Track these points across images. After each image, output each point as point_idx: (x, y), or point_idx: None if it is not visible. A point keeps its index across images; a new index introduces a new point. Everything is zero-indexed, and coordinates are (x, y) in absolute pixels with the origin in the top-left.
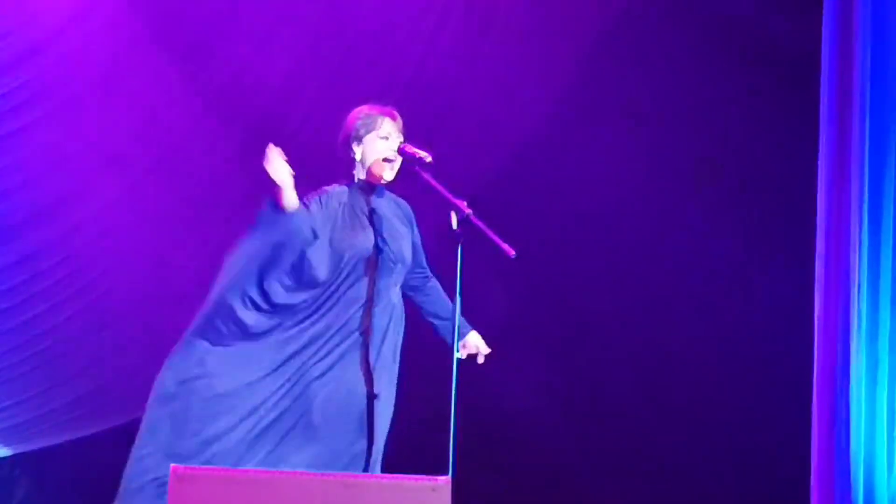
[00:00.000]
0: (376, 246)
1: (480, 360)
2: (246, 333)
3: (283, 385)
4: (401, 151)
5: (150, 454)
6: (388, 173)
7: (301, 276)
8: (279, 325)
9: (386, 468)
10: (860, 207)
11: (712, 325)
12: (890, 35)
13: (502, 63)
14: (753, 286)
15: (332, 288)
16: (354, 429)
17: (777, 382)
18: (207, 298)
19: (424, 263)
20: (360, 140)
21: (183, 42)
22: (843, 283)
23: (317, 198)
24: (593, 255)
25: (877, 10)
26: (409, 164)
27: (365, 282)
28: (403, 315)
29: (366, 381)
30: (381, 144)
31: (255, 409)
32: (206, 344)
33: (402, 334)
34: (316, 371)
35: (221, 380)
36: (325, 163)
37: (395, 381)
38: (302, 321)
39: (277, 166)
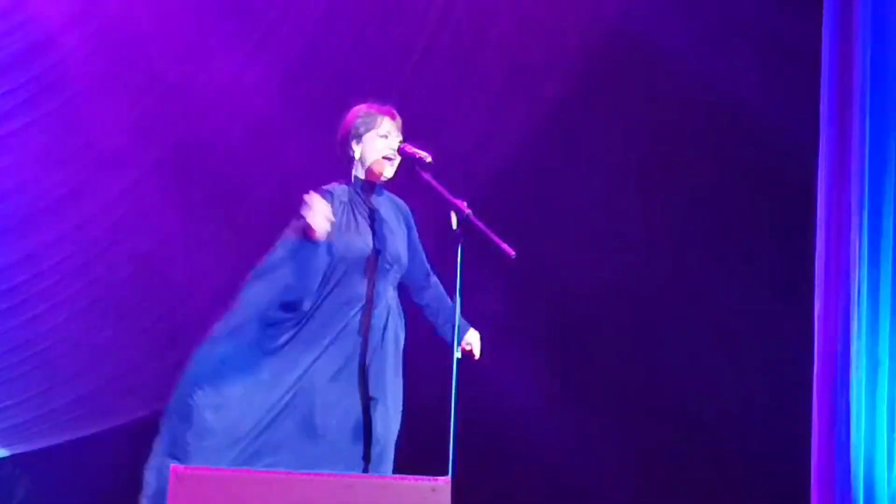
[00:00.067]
0: (374, 247)
1: (476, 354)
2: (266, 345)
3: (286, 392)
4: (401, 151)
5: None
6: (389, 170)
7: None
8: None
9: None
10: (860, 207)
11: (712, 324)
12: (890, 35)
13: (502, 63)
14: (753, 286)
15: (329, 289)
16: (352, 432)
17: (777, 382)
18: (238, 306)
19: (425, 261)
20: (359, 138)
21: (182, 42)
22: (843, 283)
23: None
24: (593, 255)
25: (877, 10)
26: (409, 164)
27: (363, 283)
28: (402, 315)
29: (360, 383)
30: (380, 143)
31: (258, 421)
32: (228, 349)
33: (402, 335)
34: (315, 375)
35: (233, 389)
36: (325, 162)
37: (401, 383)
38: (300, 324)
39: (318, 215)
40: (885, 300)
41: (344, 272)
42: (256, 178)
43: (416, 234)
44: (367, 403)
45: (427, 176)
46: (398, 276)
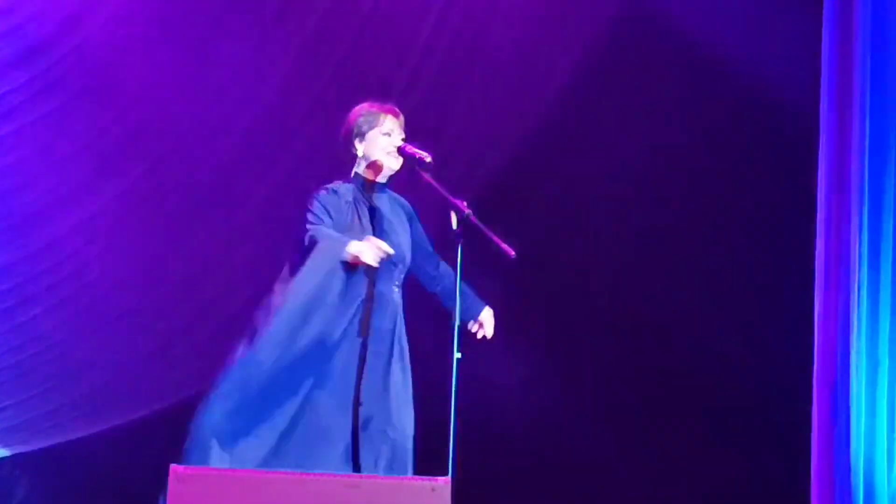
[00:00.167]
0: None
1: (485, 334)
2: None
3: (293, 393)
4: (401, 151)
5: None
6: (396, 164)
7: None
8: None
9: None
10: (860, 207)
11: (712, 324)
12: (890, 35)
13: (502, 64)
14: (753, 286)
15: (336, 293)
16: (345, 433)
17: (777, 382)
18: (274, 314)
19: (433, 252)
20: (362, 136)
21: (182, 42)
22: (843, 283)
23: (327, 207)
24: (593, 256)
25: (877, 11)
26: (409, 164)
27: (365, 282)
28: (402, 314)
29: (356, 386)
30: (383, 141)
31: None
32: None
33: (404, 333)
34: (319, 375)
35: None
36: (324, 162)
37: (410, 380)
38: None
39: (375, 251)
40: (885, 300)
41: (347, 272)
42: (256, 178)
43: (419, 226)
44: (354, 408)
45: (427, 176)
46: (402, 274)
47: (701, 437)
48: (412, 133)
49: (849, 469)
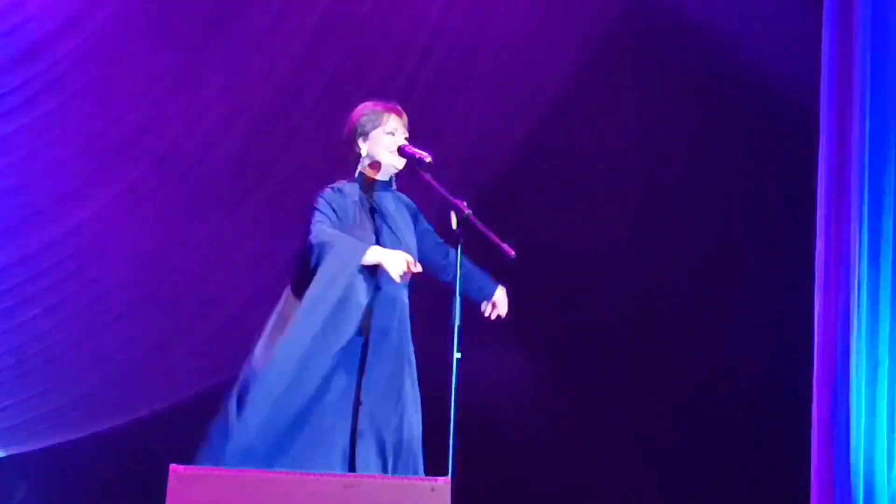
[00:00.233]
0: (385, 246)
1: (497, 313)
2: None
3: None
4: (401, 151)
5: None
6: (399, 162)
7: None
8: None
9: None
10: (860, 207)
11: (712, 324)
12: (890, 35)
13: (502, 63)
14: (753, 286)
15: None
16: (344, 435)
17: (777, 382)
18: (298, 321)
19: (440, 242)
20: (365, 136)
21: (182, 42)
22: (843, 283)
23: (333, 206)
24: (593, 256)
25: (877, 11)
26: (409, 164)
27: (372, 282)
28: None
29: (357, 384)
30: (387, 140)
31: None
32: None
33: (409, 331)
34: (330, 378)
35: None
36: (324, 162)
37: (416, 378)
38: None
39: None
40: (885, 300)
41: (362, 274)
42: (256, 178)
43: (423, 219)
44: (355, 407)
45: (427, 176)
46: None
47: (701, 436)
48: (412, 133)
49: (849, 469)
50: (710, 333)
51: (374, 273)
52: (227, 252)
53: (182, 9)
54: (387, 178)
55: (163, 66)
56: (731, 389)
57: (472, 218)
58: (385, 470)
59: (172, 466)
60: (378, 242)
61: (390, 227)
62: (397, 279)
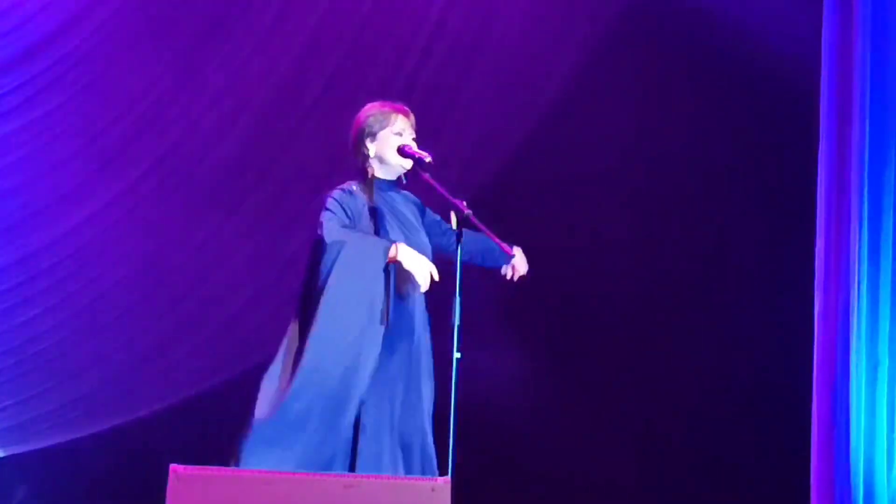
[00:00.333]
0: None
1: (519, 274)
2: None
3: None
4: (401, 151)
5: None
6: (407, 162)
7: None
8: None
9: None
10: (860, 207)
11: (712, 324)
12: (890, 35)
13: (502, 63)
14: (753, 286)
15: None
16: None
17: (777, 382)
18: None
19: (446, 226)
20: (373, 136)
21: (181, 42)
22: (843, 283)
23: (344, 207)
24: (593, 255)
25: (877, 11)
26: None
27: (390, 278)
28: (424, 310)
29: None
30: (395, 140)
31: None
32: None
33: (428, 329)
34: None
35: None
36: (325, 161)
37: (432, 377)
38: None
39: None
40: (885, 300)
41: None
42: (256, 178)
43: (429, 212)
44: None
45: (427, 176)
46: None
47: (701, 436)
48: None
49: (849, 469)
50: (710, 333)
51: (393, 270)
52: (227, 252)
53: (182, 9)
54: (394, 178)
55: (163, 66)
56: (730, 389)
57: (472, 218)
58: (399, 470)
59: (172, 466)
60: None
61: (403, 227)
62: (424, 287)
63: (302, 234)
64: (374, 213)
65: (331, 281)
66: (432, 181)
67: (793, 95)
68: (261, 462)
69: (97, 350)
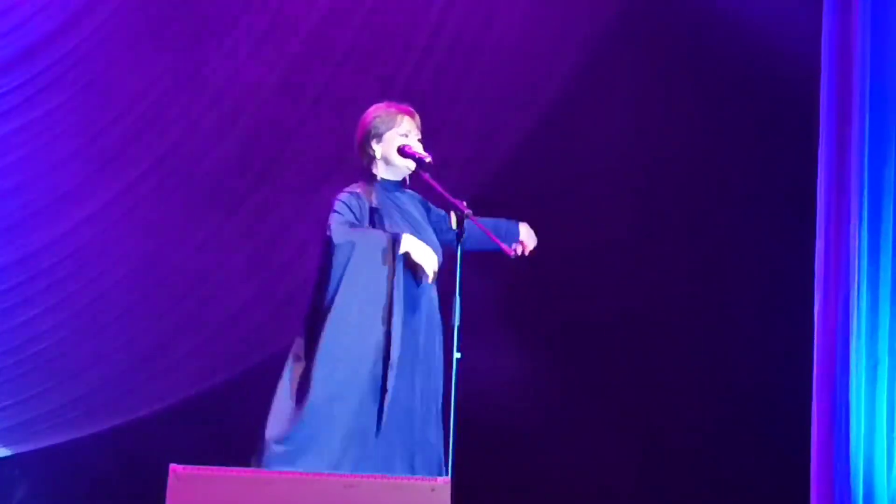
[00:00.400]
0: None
1: (528, 249)
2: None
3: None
4: (401, 151)
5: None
6: (413, 163)
7: None
8: None
9: None
10: (860, 207)
11: (712, 324)
12: (890, 35)
13: (502, 62)
14: (753, 285)
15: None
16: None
17: (777, 382)
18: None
19: (448, 220)
20: (379, 137)
21: (181, 42)
22: (843, 283)
23: (352, 209)
24: (593, 255)
25: (877, 11)
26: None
27: (395, 280)
28: (437, 309)
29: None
30: (401, 141)
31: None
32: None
33: (440, 327)
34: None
35: None
36: (324, 161)
37: (441, 375)
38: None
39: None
40: (884, 299)
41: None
42: (256, 177)
43: (433, 207)
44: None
45: (427, 176)
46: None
47: (700, 435)
48: None
49: (848, 469)
50: (710, 332)
51: (404, 265)
52: (227, 252)
53: (182, 9)
54: (399, 179)
55: (163, 66)
56: (730, 388)
57: (472, 218)
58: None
59: (172, 466)
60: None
61: (411, 226)
62: (431, 277)
63: (302, 234)
64: (382, 214)
65: (345, 282)
66: (432, 181)
67: (793, 95)
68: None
69: (97, 350)
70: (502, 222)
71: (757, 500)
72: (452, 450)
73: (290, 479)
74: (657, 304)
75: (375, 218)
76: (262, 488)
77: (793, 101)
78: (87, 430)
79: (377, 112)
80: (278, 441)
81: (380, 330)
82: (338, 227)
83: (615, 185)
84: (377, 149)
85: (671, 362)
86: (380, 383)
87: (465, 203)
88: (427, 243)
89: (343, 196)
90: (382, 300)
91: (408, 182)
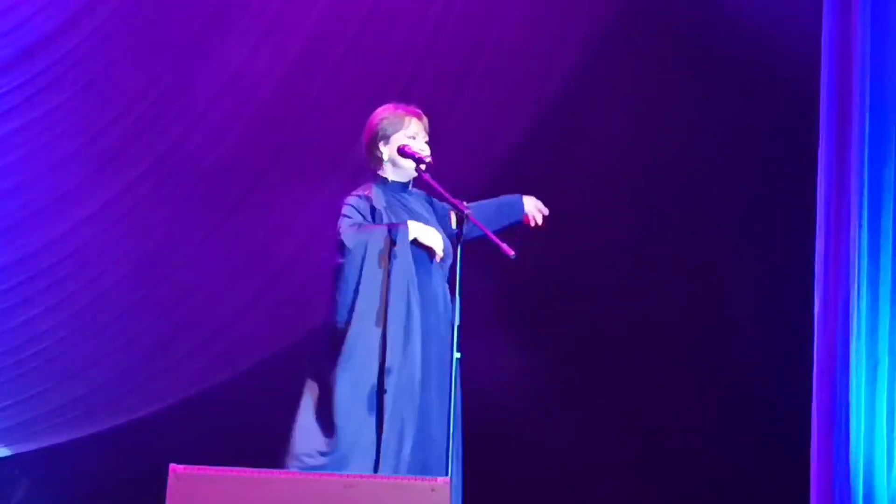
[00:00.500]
0: (425, 246)
1: (538, 221)
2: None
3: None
4: (401, 151)
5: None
6: (421, 165)
7: None
8: None
9: None
10: (860, 207)
11: (712, 324)
12: (890, 35)
13: (502, 62)
14: (753, 285)
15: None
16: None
17: (777, 382)
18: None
19: (454, 212)
20: (386, 140)
21: (181, 42)
22: (843, 283)
23: (361, 212)
24: (592, 255)
25: (877, 11)
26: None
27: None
28: (449, 304)
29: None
30: (412, 146)
31: None
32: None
33: (453, 324)
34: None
35: None
36: (324, 161)
37: (449, 375)
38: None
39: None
40: (884, 299)
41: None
42: (255, 178)
43: (437, 202)
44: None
45: (427, 176)
46: (447, 265)
47: (700, 435)
48: None
49: (848, 469)
50: (710, 333)
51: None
52: (226, 252)
53: (182, 8)
54: (407, 181)
55: (163, 66)
56: (730, 389)
57: (472, 218)
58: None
59: (172, 466)
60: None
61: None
62: (440, 254)
63: (301, 234)
64: (390, 216)
65: (363, 283)
66: (432, 181)
67: (793, 95)
68: None
69: (97, 350)
70: (504, 200)
71: (757, 500)
72: (453, 450)
73: (291, 479)
74: (657, 304)
75: (384, 220)
76: (262, 488)
77: (793, 101)
78: (87, 430)
79: (385, 114)
80: (313, 455)
81: (400, 324)
82: (347, 231)
83: (615, 185)
84: (385, 151)
85: (671, 362)
86: (415, 377)
87: (465, 203)
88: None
89: (351, 199)
90: (403, 296)
91: (412, 184)
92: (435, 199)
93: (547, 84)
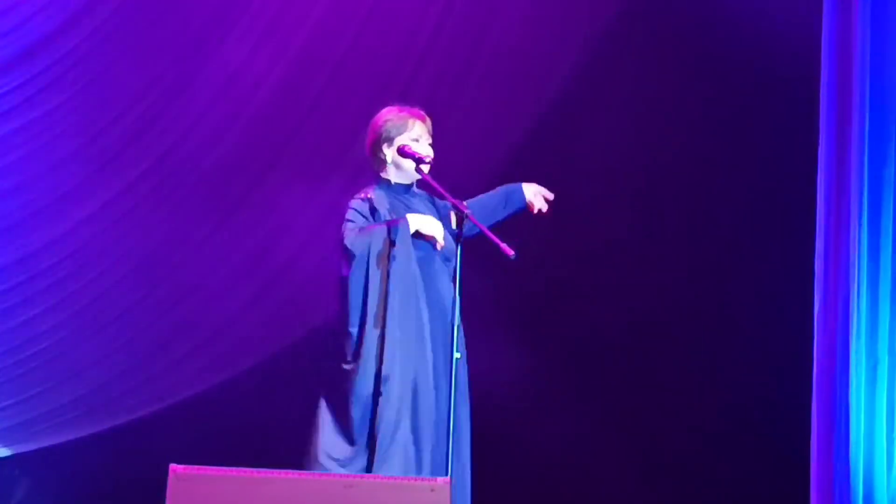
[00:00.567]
0: (431, 248)
1: (541, 207)
2: None
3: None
4: (400, 151)
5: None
6: (425, 167)
7: None
8: None
9: None
10: (860, 207)
11: (712, 324)
12: (890, 35)
13: (503, 61)
14: (753, 285)
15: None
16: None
17: (776, 382)
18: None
19: (454, 211)
20: (390, 141)
21: (181, 42)
22: (842, 283)
23: (363, 215)
24: (592, 255)
25: (877, 11)
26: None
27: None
28: (454, 303)
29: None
30: (412, 146)
31: None
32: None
33: (457, 325)
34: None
35: None
36: (324, 161)
37: (450, 374)
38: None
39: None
40: (884, 298)
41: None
42: (255, 178)
43: (438, 201)
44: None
45: (427, 176)
46: (452, 264)
47: (700, 436)
48: None
49: (848, 469)
50: (710, 333)
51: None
52: (226, 252)
53: (181, 8)
54: (409, 182)
55: (163, 66)
56: (730, 388)
57: (472, 218)
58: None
59: (172, 466)
60: (428, 246)
61: None
62: (441, 242)
63: (301, 234)
64: (394, 216)
65: (370, 284)
66: (432, 181)
67: (793, 95)
68: None
69: (97, 350)
70: (503, 190)
71: (757, 500)
72: (453, 450)
73: (291, 479)
74: (657, 304)
75: (385, 220)
76: (262, 488)
77: (793, 101)
78: (87, 430)
79: (388, 116)
80: (338, 459)
81: (411, 326)
82: (350, 234)
83: (615, 185)
84: (388, 153)
85: (671, 362)
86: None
87: (465, 203)
88: (445, 243)
89: (354, 203)
90: (411, 298)
91: (415, 185)
92: (437, 200)
93: (547, 84)
